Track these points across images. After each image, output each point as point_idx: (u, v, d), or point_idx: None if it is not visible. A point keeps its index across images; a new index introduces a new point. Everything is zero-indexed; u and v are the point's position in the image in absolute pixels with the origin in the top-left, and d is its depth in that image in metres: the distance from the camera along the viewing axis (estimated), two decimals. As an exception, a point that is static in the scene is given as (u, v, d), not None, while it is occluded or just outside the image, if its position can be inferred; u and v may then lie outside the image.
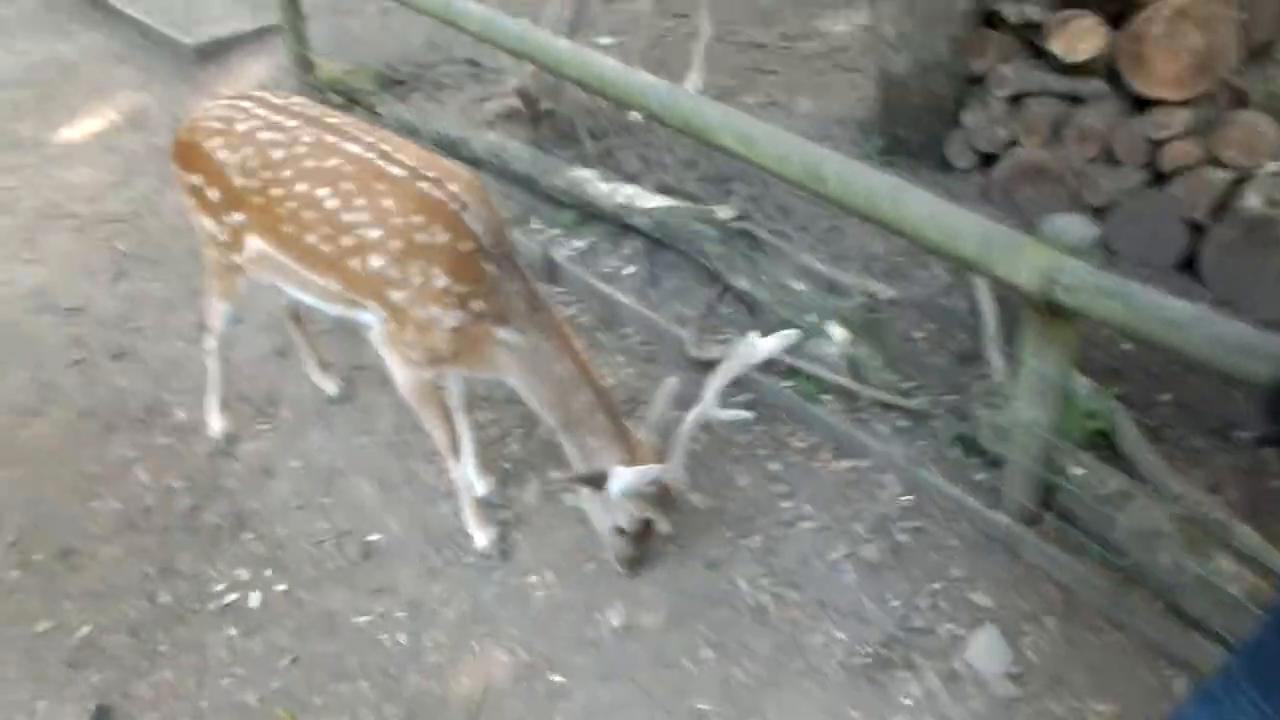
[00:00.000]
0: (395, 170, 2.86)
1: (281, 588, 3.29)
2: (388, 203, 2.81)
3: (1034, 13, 4.21)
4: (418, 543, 3.43)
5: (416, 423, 3.73)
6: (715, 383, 3.04)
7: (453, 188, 2.86)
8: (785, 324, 3.83)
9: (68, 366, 4.21)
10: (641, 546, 3.18)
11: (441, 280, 2.81)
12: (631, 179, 4.63)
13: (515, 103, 5.04)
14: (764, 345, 3.02)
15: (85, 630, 3.16)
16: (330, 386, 3.97)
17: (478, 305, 2.86)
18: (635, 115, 5.28)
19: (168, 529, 3.49)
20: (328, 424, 3.89)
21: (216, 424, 3.78)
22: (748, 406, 3.82)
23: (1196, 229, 4.06)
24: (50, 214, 5.23)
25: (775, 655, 3.06)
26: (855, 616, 3.15)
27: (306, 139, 2.95)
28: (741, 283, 3.99)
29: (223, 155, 3.04)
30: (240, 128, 3.03)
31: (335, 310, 3.12)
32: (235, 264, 3.25)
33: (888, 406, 3.62)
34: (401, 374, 3.07)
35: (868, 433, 3.57)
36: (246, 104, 3.12)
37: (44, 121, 6.12)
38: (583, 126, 4.96)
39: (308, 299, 3.17)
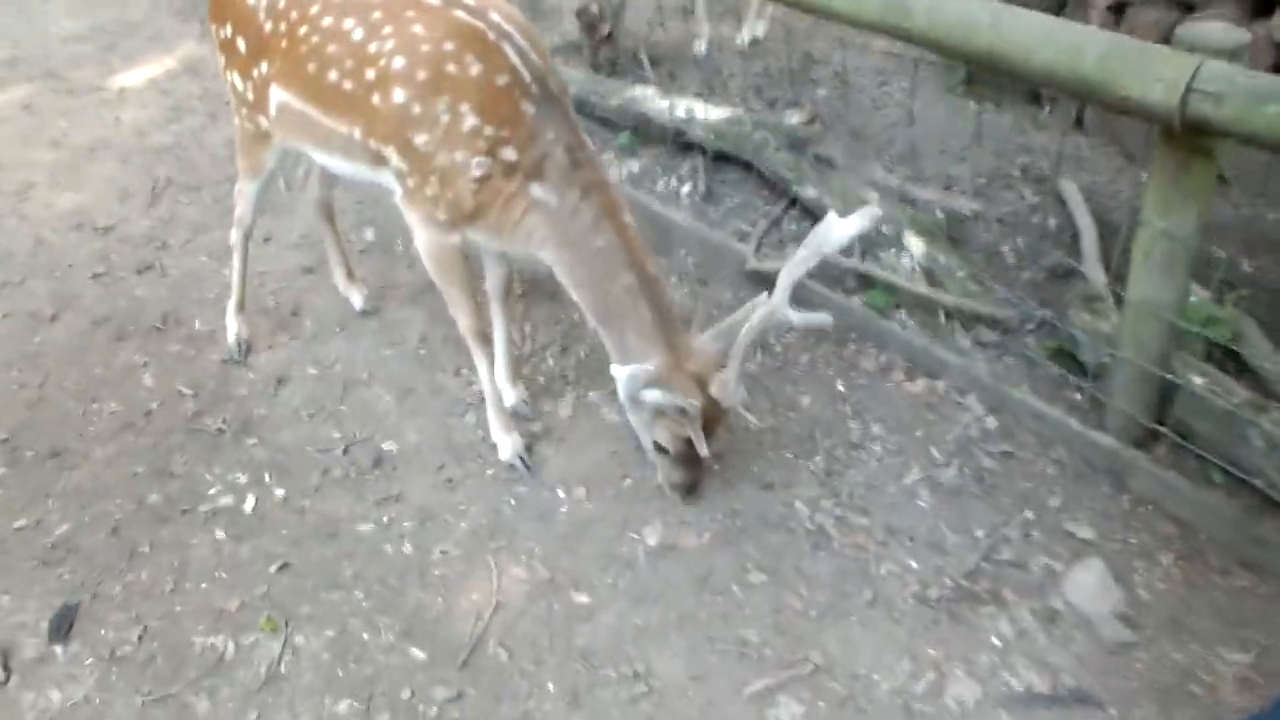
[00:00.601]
0: (430, 0, 2.55)
1: (280, 493, 2.96)
2: (417, 29, 2.48)
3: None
4: (436, 453, 3.07)
5: (447, 334, 3.43)
6: (788, 276, 2.53)
7: (494, 16, 2.52)
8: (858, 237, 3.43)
9: (90, 278, 3.99)
10: (691, 471, 2.73)
11: (470, 119, 2.46)
12: (694, 101, 4.28)
13: (575, 33, 4.75)
14: (844, 225, 2.51)
15: (64, 528, 2.87)
16: (357, 298, 3.67)
17: (509, 154, 2.49)
18: (700, 47, 4.98)
19: (168, 432, 3.20)
20: (351, 336, 3.58)
21: (233, 328, 3.50)
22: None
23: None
24: (97, 147, 5.09)
25: (838, 583, 2.60)
26: (932, 545, 2.68)
27: None
28: (809, 192, 3.58)
29: (252, 0, 2.79)
30: None
31: (357, 170, 2.80)
32: (262, 130, 2.98)
33: (972, 320, 3.15)
34: (423, 236, 2.72)
35: (948, 349, 3.11)
36: None
37: (103, 69, 6.05)
38: (644, 52, 4.63)
39: (330, 160, 2.85)
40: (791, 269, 2.56)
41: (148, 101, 5.58)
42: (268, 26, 2.75)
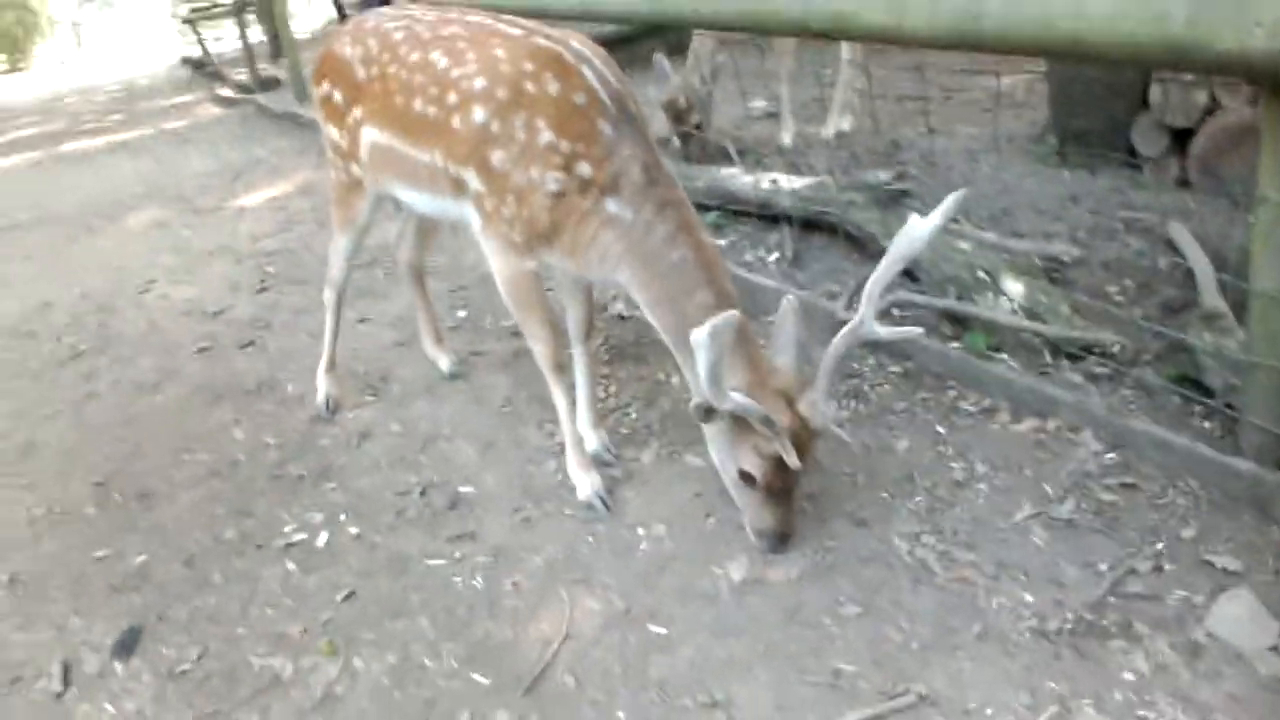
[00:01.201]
0: (513, 30, 2.67)
1: (354, 530, 2.89)
2: (499, 53, 2.59)
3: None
4: (514, 496, 2.97)
5: (533, 394, 3.39)
6: (874, 286, 2.42)
7: (574, 44, 2.62)
8: (951, 283, 3.31)
9: (195, 354, 4.17)
10: (781, 510, 2.53)
11: (546, 135, 2.50)
12: (780, 184, 4.32)
13: (662, 129, 4.91)
14: (926, 222, 2.39)
15: (140, 559, 2.86)
16: (444, 362, 3.69)
17: (585, 169, 2.50)
18: (786, 139, 5.07)
19: (251, 479, 3.21)
20: (437, 398, 3.58)
21: (323, 387, 3.54)
22: (905, 375, 3.26)
23: None
24: (214, 252, 5.44)
25: (942, 617, 2.34)
26: (1049, 579, 2.40)
27: (428, 19, 2.86)
28: (898, 245, 3.49)
29: (348, 51, 2.99)
30: (368, 25, 3.00)
31: (441, 205, 2.86)
32: (355, 178, 3.11)
33: (1081, 354, 2.94)
34: (500, 264, 2.73)
35: (1057, 385, 2.90)
36: (379, 9, 3.11)
37: (226, 194, 6.57)
38: (731, 145, 4.74)
39: (416, 196, 2.93)
40: (878, 278, 2.44)
41: (263, 216, 5.98)
42: (361, 73, 2.92)
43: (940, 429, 2.99)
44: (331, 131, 3.12)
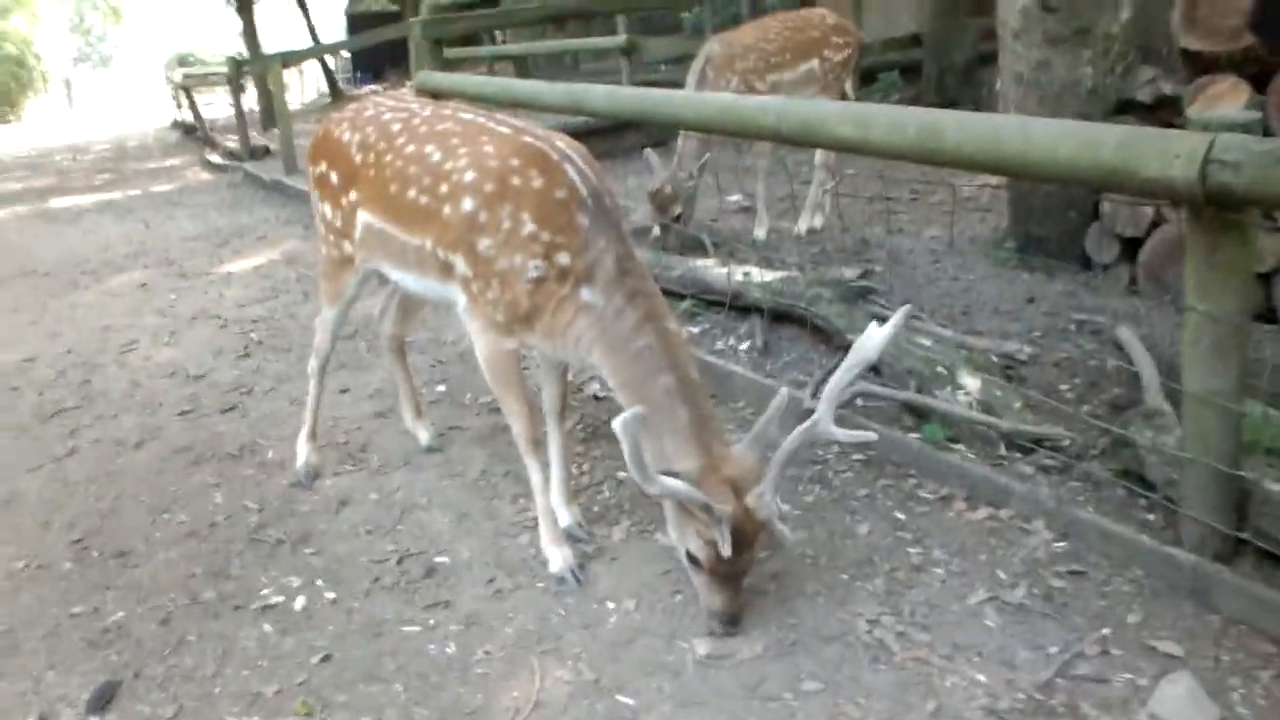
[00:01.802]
0: (502, 129, 2.87)
1: (331, 596, 2.96)
2: (488, 149, 2.79)
3: (1168, 87, 4.04)
4: (488, 567, 3.05)
5: (509, 469, 3.50)
6: (833, 388, 2.58)
7: (559, 143, 2.82)
8: (912, 376, 3.49)
9: (176, 415, 4.24)
10: (728, 594, 2.63)
11: (529, 226, 2.68)
12: (752, 276, 4.52)
13: (640, 221, 5.13)
14: (881, 332, 2.60)
15: (118, 616, 2.90)
16: (423, 435, 3.80)
17: (564, 259, 2.68)
18: (760, 233, 5.31)
19: (230, 541, 3.27)
20: (415, 469, 3.68)
21: (303, 454, 3.63)
22: (867, 462, 3.41)
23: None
24: (199, 316, 5.55)
25: (899, 695, 2.44)
26: (1001, 661, 2.52)
27: (424, 113, 3.05)
28: (863, 339, 3.68)
29: (347, 137, 3.17)
30: (367, 114, 3.19)
31: (428, 286, 3.02)
32: (346, 255, 3.26)
33: (1032, 447, 3.11)
34: (483, 343, 2.88)
35: (1010, 476, 3.06)
36: (376, 98, 3.30)
37: (213, 259, 6.70)
38: (708, 237, 4.96)
39: (405, 276, 3.08)
40: (836, 381, 2.60)
41: (249, 283, 6.11)
42: (358, 159, 3.10)
43: (899, 515, 3.13)
44: (325, 210, 3.28)
